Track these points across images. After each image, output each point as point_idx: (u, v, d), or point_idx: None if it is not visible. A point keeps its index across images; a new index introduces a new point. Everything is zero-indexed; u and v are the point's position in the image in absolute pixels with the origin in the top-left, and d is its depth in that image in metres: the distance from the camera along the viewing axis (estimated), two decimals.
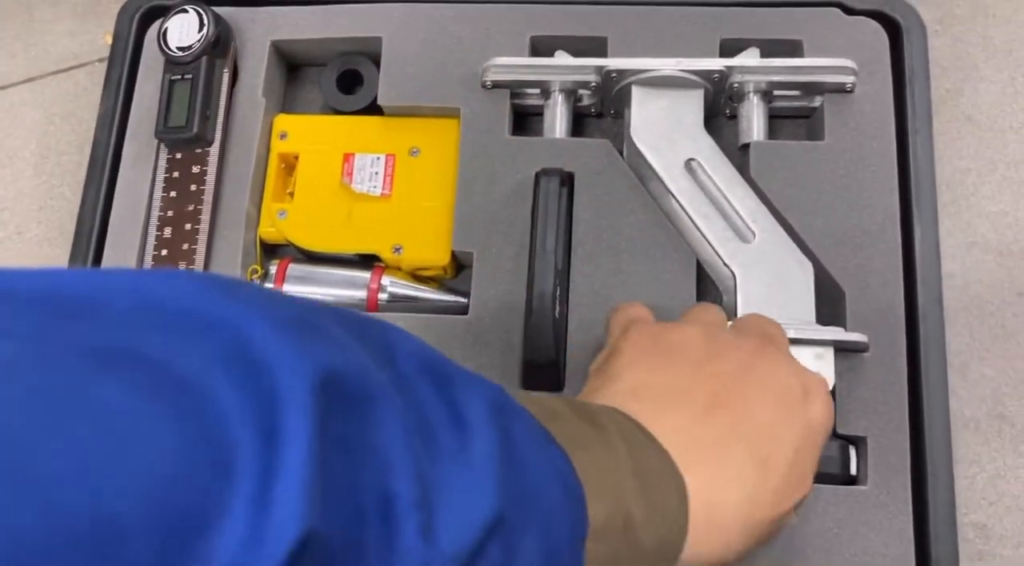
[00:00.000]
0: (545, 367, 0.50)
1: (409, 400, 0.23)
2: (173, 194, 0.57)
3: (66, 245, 0.64)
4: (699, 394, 0.34)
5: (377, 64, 0.59)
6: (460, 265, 0.57)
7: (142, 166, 0.58)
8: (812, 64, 0.54)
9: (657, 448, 0.31)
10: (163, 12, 0.61)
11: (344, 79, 0.60)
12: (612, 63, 0.54)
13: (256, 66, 0.59)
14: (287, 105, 0.63)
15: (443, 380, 0.24)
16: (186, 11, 0.57)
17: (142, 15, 0.61)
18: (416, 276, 0.57)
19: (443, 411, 0.24)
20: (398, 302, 0.55)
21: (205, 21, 0.57)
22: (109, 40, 0.68)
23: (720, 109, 0.57)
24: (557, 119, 0.57)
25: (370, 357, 0.23)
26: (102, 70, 0.68)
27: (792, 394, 0.35)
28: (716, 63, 0.54)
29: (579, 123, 0.59)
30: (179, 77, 0.57)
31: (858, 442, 0.49)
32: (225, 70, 0.58)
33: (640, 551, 0.28)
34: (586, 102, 0.58)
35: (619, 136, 0.57)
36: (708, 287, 0.54)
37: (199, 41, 0.57)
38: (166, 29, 0.58)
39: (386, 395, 0.22)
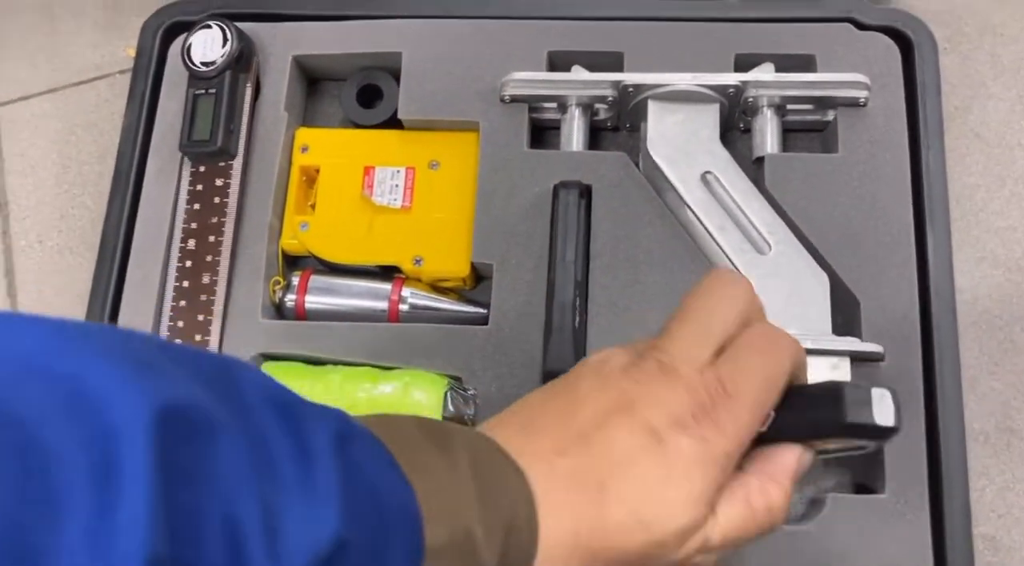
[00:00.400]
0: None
1: (253, 431, 0.24)
2: (197, 207, 0.58)
3: (87, 254, 0.65)
4: (570, 422, 0.33)
5: (396, 78, 0.60)
6: (479, 276, 0.58)
7: (165, 179, 0.59)
8: (826, 79, 0.55)
9: (513, 472, 0.31)
10: (186, 27, 0.62)
11: (364, 93, 0.61)
12: (629, 78, 0.55)
13: (278, 80, 0.60)
14: (306, 119, 0.64)
15: (287, 412, 0.25)
16: (210, 27, 0.58)
17: (165, 30, 0.62)
18: (436, 287, 0.58)
19: (287, 441, 0.24)
20: (418, 313, 0.56)
21: (229, 36, 0.58)
22: (131, 53, 0.69)
23: (734, 123, 0.58)
24: (574, 132, 0.58)
25: (212, 391, 0.23)
26: (124, 82, 0.69)
27: (657, 426, 0.32)
28: (732, 78, 0.55)
29: (595, 136, 0.60)
30: (203, 91, 0.58)
31: (876, 452, 0.49)
32: (248, 84, 0.59)
33: None
34: (602, 116, 0.59)
35: (634, 149, 0.58)
36: None
37: (223, 56, 0.58)
38: (190, 44, 0.59)
39: (228, 426, 0.23)
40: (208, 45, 0.58)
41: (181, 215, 0.58)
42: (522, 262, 0.55)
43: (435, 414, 0.51)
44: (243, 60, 0.58)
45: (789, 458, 0.33)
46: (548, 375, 0.51)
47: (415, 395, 0.52)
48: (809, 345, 0.48)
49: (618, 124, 0.60)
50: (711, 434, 0.31)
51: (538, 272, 0.54)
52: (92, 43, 0.71)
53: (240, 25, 0.59)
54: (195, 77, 0.58)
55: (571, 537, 0.31)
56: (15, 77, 0.71)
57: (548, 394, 0.35)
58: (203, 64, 0.58)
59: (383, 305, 0.56)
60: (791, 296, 0.51)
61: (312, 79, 0.64)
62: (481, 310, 0.56)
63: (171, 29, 0.62)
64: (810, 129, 0.59)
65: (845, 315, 0.52)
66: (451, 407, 0.52)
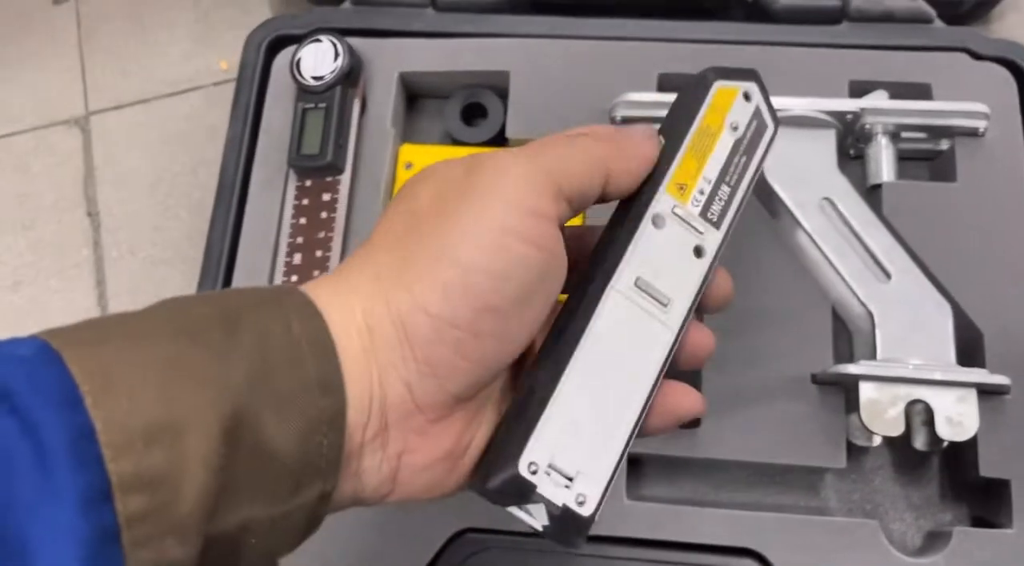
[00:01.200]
0: None
1: None
2: (303, 221, 0.57)
3: (180, 266, 0.65)
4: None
5: (500, 96, 0.60)
6: None
7: (271, 192, 0.59)
8: (945, 108, 0.55)
9: (314, 343, 0.27)
10: (290, 41, 0.62)
11: (467, 111, 0.61)
12: None
13: (384, 97, 0.60)
14: (404, 135, 0.63)
15: None
16: (320, 41, 0.58)
17: (269, 43, 0.62)
18: None
19: None
20: None
21: (339, 52, 0.58)
22: (225, 66, 0.69)
23: (845, 148, 0.58)
24: None
25: None
26: (217, 93, 0.69)
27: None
28: (850, 104, 0.55)
29: None
30: (312, 106, 0.58)
31: (1002, 485, 0.49)
32: (356, 100, 0.59)
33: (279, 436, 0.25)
34: None
35: None
36: (838, 326, 0.54)
37: (333, 71, 0.58)
38: (299, 58, 0.58)
39: None
40: (318, 60, 0.58)
41: (287, 229, 0.57)
42: None
43: None
44: (352, 75, 0.58)
45: None
46: None
47: None
48: (937, 376, 0.48)
49: None
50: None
51: None
52: (184, 54, 0.71)
53: (349, 40, 0.59)
54: (304, 91, 0.58)
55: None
56: (107, 86, 0.71)
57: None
58: (313, 78, 0.58)
59: None
60: (913, 325, 0.51)
61: (412, 96, 0.64)
62: None
63: (275, 43, 0.62)
64: (920, 157, 0.58)
65: (968, 346, 0.51)
66: None
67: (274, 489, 0.26)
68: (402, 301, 0.28)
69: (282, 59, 0.61)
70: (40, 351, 0.23)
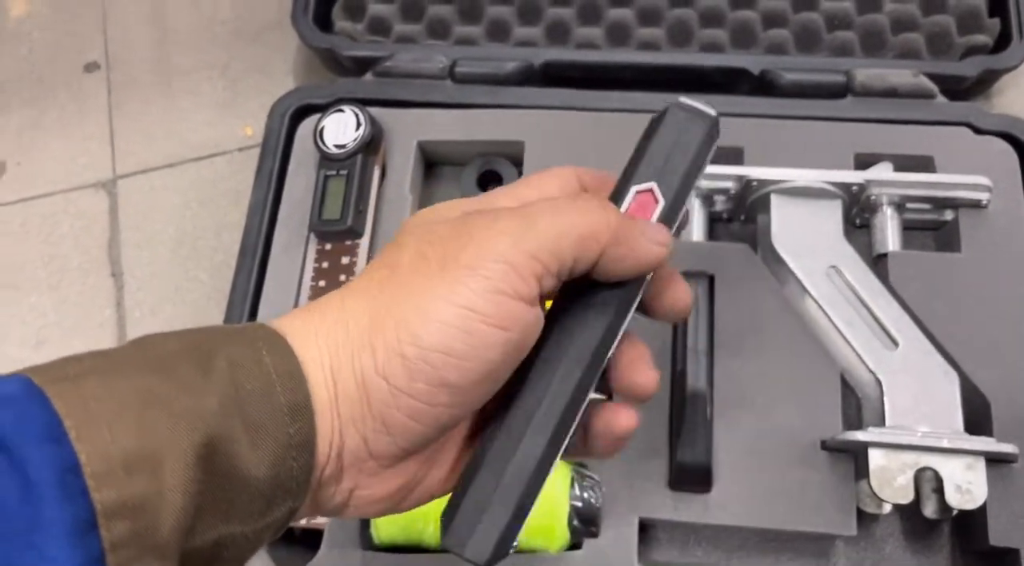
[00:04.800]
0: (697, 469, 0.51)
1: None
2: (322, 283, 0.59)
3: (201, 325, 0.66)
4: None
5: (515, 164, 0.62)
6: None
7: (292, 255, 0.60)
8: (948, 180, 0.56)
9: (284, 374, 0.28)
10: (313, 110, 0.64)
11: (483, 178, 0.63)
12: (753, 172, 0.57)
13: (403, 164, 0.62)
14: (422, 201, 0.65)
15: None
16: (342, 111, 0.61)
17: (294, 112, 0.64)
18: None
19: None
20: None
21: (361, 121, 0.60)
22: (249, 132, 0.72)
23: (851, 218, 0.59)
24: (694, 223, 0.59)
25: None
26: (241, 159, 0.71)
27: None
28: (856, 176, 0.56)
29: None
30: (334, 172, 0.60)
31: (1012, 554, 0.49)
32: (376, 167, 0.61)
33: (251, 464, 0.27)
34: (720, 207, 0.60)
35: (743, 238, 0.59)
36: (846, 392, 0.55)
37: (355, 140, 0.60)
38: (323, 127, 0.61)
39: None
40: (340, 129, 0.60)
41: (307, 291, 0.59)
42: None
43: (563, 500, 0.51)
44: (373, 144, 0.60)
45: None
46: (681, 466, 0.51)
47: None
48: (946, 444, 0.49)
49: (733, 215, 0.61)
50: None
51: (661, 360, 0.55)
52: (209, 121, 0.74)
53: (370, 110, 0.61)
54: (326, 158, 0.60)
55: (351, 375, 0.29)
56: (133, 151, 0.73)
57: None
58: (335, 146, 0.60)
59: None
60: (921, 393, 0.52)
61: (429, 163, 0.66)
62: (601, 396, 0.56)
63: (299, 111, 0.65)
64: (925, 227, 0.60)
65: (975, 414, 0.52)
66: (581, 492, 0.52)
67: (248, 509, 0.27)
68: (366, 364, 0.28)
69: (305, 127, 0.64)
70: (24, 388, 0.24)
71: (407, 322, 0.28)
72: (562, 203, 0.30)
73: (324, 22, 0.69)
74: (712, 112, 0.32)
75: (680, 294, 0.33)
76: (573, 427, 0.30)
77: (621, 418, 0.32)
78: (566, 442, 0.30)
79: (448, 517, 0.30)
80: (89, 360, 0.26)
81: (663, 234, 0.30)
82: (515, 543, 0.30)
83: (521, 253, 0.28)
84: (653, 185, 0.31)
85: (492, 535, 0.29)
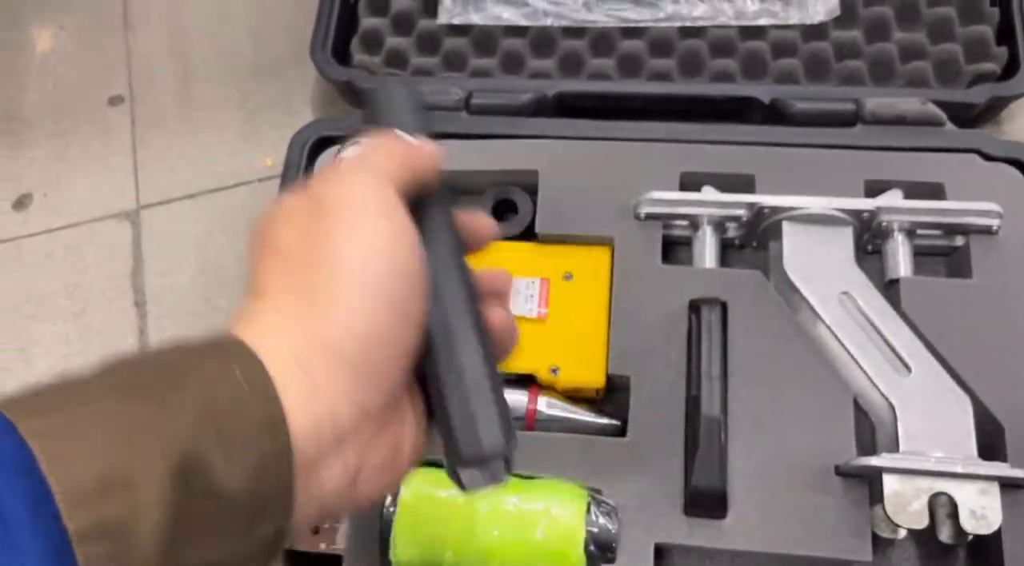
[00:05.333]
0: (712, 494, 0.51)
1: None
2: None
3: None
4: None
5: (530, 193, 0.63)
6: (609, 387, 0.59)
7: None
8: (959, 207, 0.57)
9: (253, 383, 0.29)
10: (330, 142, 0.66)
11: (499, 207, 0.64)
12: (765, 200, 0.58)
13: None
14: None
15: None
16: (360, 143, 0.62)
17: (313, 143, 0.66)
18: (568, 396, 0.59)
19: None
20: (554, 422, 0.57)
21: None
22: (270, 163, 0.73)
23: (862, 245, 0.60)
24: (707, 249, 0.60)
25: None
26: (262, 189, 0.73)
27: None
28: (867, 203, 0.57)
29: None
30: None
31: None
32: None
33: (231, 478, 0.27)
34: (731, 234, 0.61)
35: (755, 265, 0.60)
36: (859, 417, 0.55)
37: None
38: (341, 159, 0.62)
39: None
40: None
41: None
42: (660, 376, 0.56)
43: (579, 525, 0.52)
44: None
45: None
46: (696, 491, 0.51)
47: (554, 510, 0.53)
48: (959, 469, 0.49)
49: (745, 242, 0.62)
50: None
51: (675, 386, 0.55)
52: (230, 152, 0.75)
53: None
54: None
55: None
56: (156, 181, 0.75)
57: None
58: None
59: (520, 412, 0.57)
60: (935, 417, 0.52)
61: None
62: (614, 421, 0.57)
63: (318, 143, 0.66)
64: (935, 253, 0.60)
65: (989, 440, 0.52)
66: (597, 518, 0.52)
67: (230, 526, 0.28)
68: (325, 331, 0.30)
69: (324, 158, 0.65)
70: None
71: (338, 274, 0.31)
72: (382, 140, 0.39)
73: (342, 55, 0.71)
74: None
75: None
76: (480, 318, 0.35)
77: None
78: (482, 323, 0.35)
79: (450, 453, 0.33)
80: (61, 388, 0.27)
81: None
82: (515, 439, 0.33)
83: (375, 176, 0.36)
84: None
85: (493, 429, 0.32)
